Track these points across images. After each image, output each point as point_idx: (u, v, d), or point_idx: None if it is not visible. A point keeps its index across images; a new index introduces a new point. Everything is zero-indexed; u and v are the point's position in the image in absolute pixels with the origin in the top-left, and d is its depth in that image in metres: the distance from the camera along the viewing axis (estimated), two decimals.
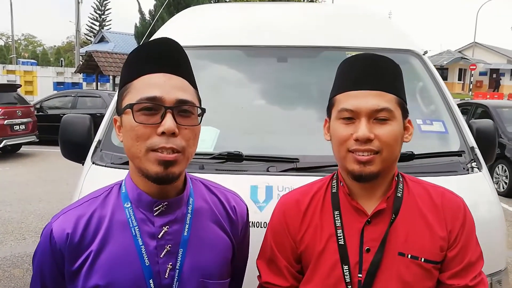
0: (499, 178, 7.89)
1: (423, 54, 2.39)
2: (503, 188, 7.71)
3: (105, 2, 49.43)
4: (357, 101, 1.08)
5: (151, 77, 0.97)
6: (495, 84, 41.79)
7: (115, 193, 1.06)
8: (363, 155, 1.06)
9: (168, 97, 0.95)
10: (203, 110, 1.04)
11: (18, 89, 11.61)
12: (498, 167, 7.93)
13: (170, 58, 1.01)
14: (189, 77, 1.04)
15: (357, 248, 1.12)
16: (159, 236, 1.01)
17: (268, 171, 1.80)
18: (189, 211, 1.06)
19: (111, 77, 20.47)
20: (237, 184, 1.75)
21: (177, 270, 1.01)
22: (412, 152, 1.82)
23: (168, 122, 0.93)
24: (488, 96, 29.49)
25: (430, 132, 2.03)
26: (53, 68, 24.13)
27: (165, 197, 1.02)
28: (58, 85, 21.87)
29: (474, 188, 1.81)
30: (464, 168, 1.86)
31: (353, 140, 1.07)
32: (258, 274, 1.27)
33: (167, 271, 1.01)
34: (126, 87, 1.00)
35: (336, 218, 1.16)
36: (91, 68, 19.71)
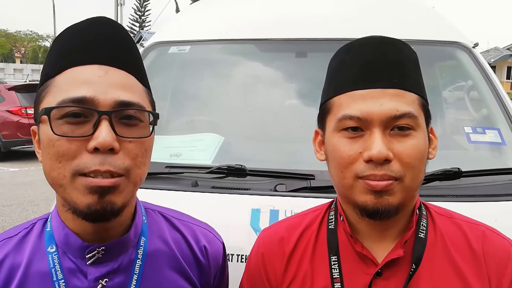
0: None
1: (473, 47, 1.98)
2: None
3: (145, 3, 50.52)
4: (367, 104, 0.76)
5: (80, 70, 0.70)
6: None
7: (36, 232, 0.78)
8: (379, 181, 0.74)
9: (103, 98, 0.68)
10: (156, 116, 0.75)
11: None
12: None
13: (108, 43, 0.73)
14: (137, 71, 0.76)
15: None
16: None
17: (275, 190, 1.47)
18: (139, 256, 0.78)
19: None
20: (236, 206, 1.43)
21: None
22: (458, 168, 1.44)
23: (104, 133, 0.66)
24: None
25: (482, 143, 1.65)
26: None
27: (105, 238, 0.75)
28: None
29: None
30: None
31: (363, 162, 0.75)
32: None
33: None
34: (45, 85, 0.72)
35: (333, 266, 0.84)
36: None
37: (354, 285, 0.81)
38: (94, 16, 0.77)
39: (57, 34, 0.79)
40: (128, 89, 0.72)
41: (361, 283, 0.80)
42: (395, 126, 0.76)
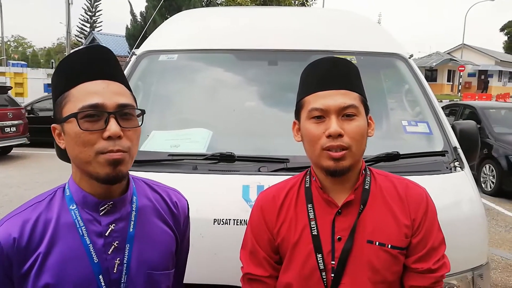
0: (486, 177, 8.03)
1: (409, 58, 2.47)
2: (490, 187, 7.85)
3: (96, 3, 49.16)
4: (326, 100, 1.17)
5: (90, 84, 1.01)
6: (483, 85, 42.27)
7: (59, 197, 1.09)
8: (336, 152, 1.14)
9: (109, 102, 1.00)
10: (143, 111, 1.09)
11: (9, 91, 11.55)
12: (486, 167, 8.08)
13: (106, 65, 1.05)
14: (125, 82, 1.09)
15: (329, 237, 1.20)
16: (106, 234, 1.06)
17: (259, 171, 1.86)
18: (134, 209, 1.12)
19: None
20: (229, 184, 1.81)
21: (125, 265, 1.07)
22: (397, 152, 1.89)
23: (113, 127, 0.99)
24: (476, 97, 29.79)
25: (415, 133, 2.11)
26: (43, 69, 23.90)
27: (110, 197, 1.07)
28: (48, 86, 21.67)
29: (457, 187, 1.88)
30: (447, 168, 1.93)
31: (325, 138, 1.15)
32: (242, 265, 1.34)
33: (116, 266, 1.06)
34: (63, 96, 1.03)
35: (309, 211, 1.24)
36: None
37: (324, 222, 1.22)
38: (90, 45, 1.11)
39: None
40: (123, 95, 1.04)
41: (328, 220, 1.22)
42: (344, 113, 1.16)
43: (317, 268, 1.19)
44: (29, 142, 11.16)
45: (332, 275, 1.18)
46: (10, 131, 10.57)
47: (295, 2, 21.93)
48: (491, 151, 7.96)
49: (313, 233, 1.21)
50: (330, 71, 1.20)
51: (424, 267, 1.20)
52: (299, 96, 1.27)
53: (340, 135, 1.14)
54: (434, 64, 39.59)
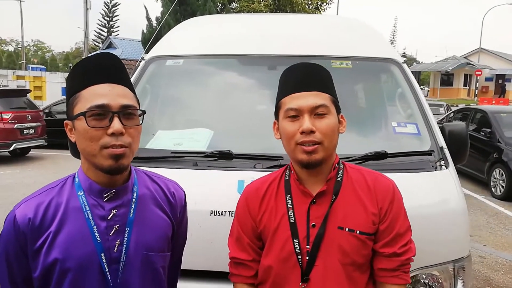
0: (496, 182, 8.02)
1: (403, 63, 2.59)
2: (500, 191, 7.83)
3: (113, 8, 50.09)
4: (300, 101, 1.30)
5: (98, 87, 1.16)
6: (501, 90, 41.67)
7: (69, 184, 1.24)
8: (309, 146, 1.27)
9: (114, 103, 1.14)
10: (143, 112, 1.23)
11: (28, 94, 11.94)
12: (496, 171, 8.07)
13: (113, 70, 1.20)
14: (129, 85, 1.23)
15: (305, 224, 1.34)
16: (108, 218, 1.20)
17: (255, 167, 2.00)
18: (134, 197, 1.26)
19: None
20: (226, 179, 1.95)
21: (125, 245, 1.20)
22: (385, 151, 2.00)
23: (116, 125, 1.13)
24: (493, 102, 29.45)
25: (404, 133, 2.22)
26: (61, 73, 24.45)
27: (113, 185, 1.21)
28: None
29: (441, 184, 1.99)
30: (432, 166, 2.04)
31: (299, 134, 1.29)
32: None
33: (116, 246, 1.20)
34: (75, 97, 1.18)
35: (287, 201, 1.38)
36: None
37: (300, 210, 1.35)
38: (100, 52, 1.23)
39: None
40: (126, 97, 1.18)
41: (304, 208, 1.35)
42: (316, 112, 1.29)
43: (294, 252, 1.33)
44: (46, 143, 11.53)
45: (307, 258, 1.32)
46: (29, 133, 10.93)
47: (309, 7, 22.05)
48: (501, 156, 7.96)
49: (291, 221, 1.35)
50: (304, 75, 1.34)
51: (390, 251, 1.32)
52: (277, 98, 1.40)
53: (312, 132, 1.27)
54: (450, 68, 39.18)
